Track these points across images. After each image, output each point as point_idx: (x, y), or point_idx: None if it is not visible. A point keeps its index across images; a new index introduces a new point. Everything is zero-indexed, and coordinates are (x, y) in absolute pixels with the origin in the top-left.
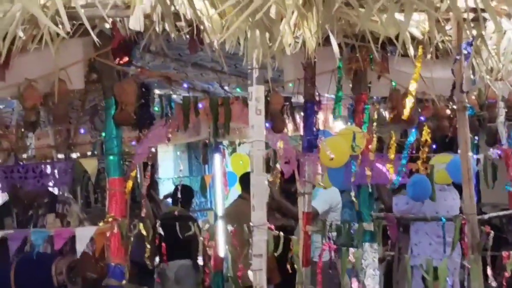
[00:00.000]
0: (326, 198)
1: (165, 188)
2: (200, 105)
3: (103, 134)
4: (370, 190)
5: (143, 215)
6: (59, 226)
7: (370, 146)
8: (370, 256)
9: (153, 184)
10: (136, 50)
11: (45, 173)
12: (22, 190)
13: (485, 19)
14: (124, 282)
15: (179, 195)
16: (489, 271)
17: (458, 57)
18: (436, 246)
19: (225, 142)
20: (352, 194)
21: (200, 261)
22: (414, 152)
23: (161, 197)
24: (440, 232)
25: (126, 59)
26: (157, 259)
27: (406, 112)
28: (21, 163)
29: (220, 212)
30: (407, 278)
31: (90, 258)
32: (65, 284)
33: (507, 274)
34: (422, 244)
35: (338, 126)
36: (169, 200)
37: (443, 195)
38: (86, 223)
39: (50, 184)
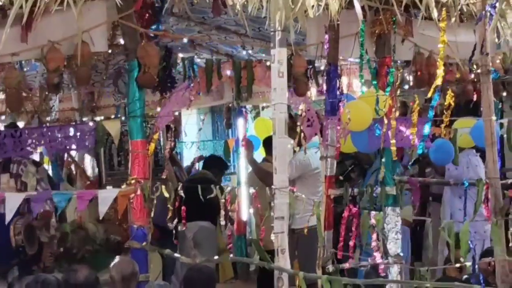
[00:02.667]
0: (297, 165)
1: (189, 152)
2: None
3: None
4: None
5: (164, 176)
6: (14, 186)
7: (393, 110)
8: (392, 220)
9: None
10: (161, 12)
11: (68, 136)
12: None
13: None
14: (144, 243)
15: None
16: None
17: (480, 18)
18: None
19: (249, 106)
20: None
21: (221, 224)
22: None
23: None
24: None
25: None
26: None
27: (438, 79)
28: (44, 125)
29: (243, 176)
30: (429, 243)
31: (49, 218)
32: (23, 244)
33: None
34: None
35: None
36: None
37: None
38: (43, 184)
39: (73, 146)
